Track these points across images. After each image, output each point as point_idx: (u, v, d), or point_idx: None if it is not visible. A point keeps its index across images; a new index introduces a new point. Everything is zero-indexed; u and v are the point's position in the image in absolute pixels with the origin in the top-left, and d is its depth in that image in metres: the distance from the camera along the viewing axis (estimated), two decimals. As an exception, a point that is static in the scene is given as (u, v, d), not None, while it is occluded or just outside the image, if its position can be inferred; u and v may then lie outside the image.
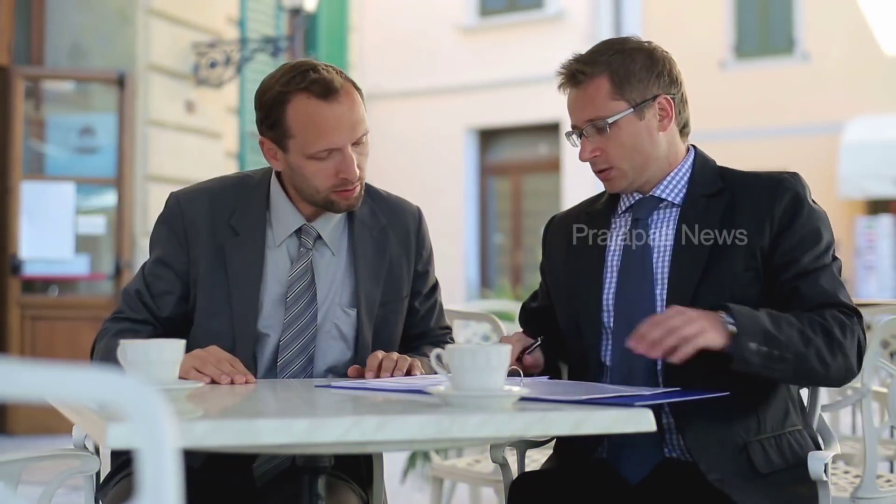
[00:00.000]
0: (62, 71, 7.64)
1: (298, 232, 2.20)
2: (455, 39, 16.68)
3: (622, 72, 2.03)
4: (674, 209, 2.07)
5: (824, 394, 2.26)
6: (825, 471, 1.96)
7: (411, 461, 5.08)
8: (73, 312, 7.26)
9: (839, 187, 14.96)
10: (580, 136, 2.07)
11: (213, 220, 2.17)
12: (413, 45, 16.71)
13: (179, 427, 1.32)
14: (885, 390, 2.70)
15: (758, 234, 1.99)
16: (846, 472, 2.86)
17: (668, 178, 2.08)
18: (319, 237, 2.20)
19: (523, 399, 1.61)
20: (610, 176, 2.07)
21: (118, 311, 2.19)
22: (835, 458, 2.22)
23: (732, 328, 1.83)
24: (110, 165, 7.43)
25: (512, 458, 2.33)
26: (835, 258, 2.02)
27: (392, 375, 2.03)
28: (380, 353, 2.08)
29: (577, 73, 2.06)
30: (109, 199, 7.50)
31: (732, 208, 2.02)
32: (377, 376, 2.03)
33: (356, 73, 12.92)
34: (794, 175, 2.02)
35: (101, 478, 2.13)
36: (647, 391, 1.79)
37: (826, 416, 2.22)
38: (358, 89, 2.15)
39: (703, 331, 1.80)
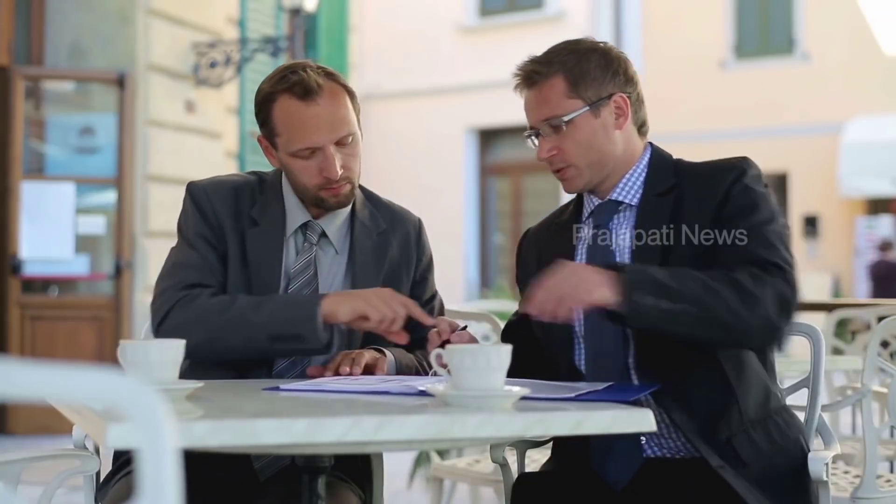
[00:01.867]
0: (62, 71, 7.64)
1: (304, 228, 2.22)
2: (455, 39, 16.69)
3: (577, 71, 2.03)
4: (631, 211, 2.07)
5: (824, 394, 2.26)
6: (825, 471, 1.96)
7: (418, 462, 5.08)
8: (73, 312, 7.27)
9: (839, 187, 14.96)
10: (537, 136, 2.08)
11: (236, 209, 2.21)
12: (413, 45, 16.72)
13: (179, 427, 1.32)
14: (885, 390, 2.70)
15: (702, 222, 1.97)
16: (846, 472, 2.86)
17: (625, 180, 2.08)
18: (324, 234, 2.23)
19: (523, 399, 1.61)
20: (567, 175, 2.07)
21: (177, 284, 2.12)
22: (835, 458, 2.22)
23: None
24: (110, 165, 7.44)
25: (512, 458, 2.34)
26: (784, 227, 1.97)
27: (351, 373, 2.01)
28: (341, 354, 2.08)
29: (532, 74, 2.07)
30: (109, 198, 7.51)
31: (681, 203, 2.01)
32: (336, 373, 2.01)
33: (356, 73, 12.92)
34: (743, 158, 2.01)
35: (101, 478, 2.13)
36: (616, 386, 1.83)
37: (826, 416, 2.22)
38: (349, 92, 2.18)
39: (594, 286, 1.79)
